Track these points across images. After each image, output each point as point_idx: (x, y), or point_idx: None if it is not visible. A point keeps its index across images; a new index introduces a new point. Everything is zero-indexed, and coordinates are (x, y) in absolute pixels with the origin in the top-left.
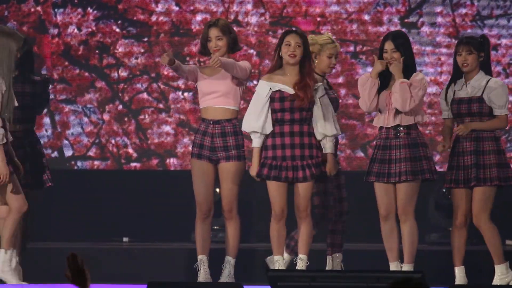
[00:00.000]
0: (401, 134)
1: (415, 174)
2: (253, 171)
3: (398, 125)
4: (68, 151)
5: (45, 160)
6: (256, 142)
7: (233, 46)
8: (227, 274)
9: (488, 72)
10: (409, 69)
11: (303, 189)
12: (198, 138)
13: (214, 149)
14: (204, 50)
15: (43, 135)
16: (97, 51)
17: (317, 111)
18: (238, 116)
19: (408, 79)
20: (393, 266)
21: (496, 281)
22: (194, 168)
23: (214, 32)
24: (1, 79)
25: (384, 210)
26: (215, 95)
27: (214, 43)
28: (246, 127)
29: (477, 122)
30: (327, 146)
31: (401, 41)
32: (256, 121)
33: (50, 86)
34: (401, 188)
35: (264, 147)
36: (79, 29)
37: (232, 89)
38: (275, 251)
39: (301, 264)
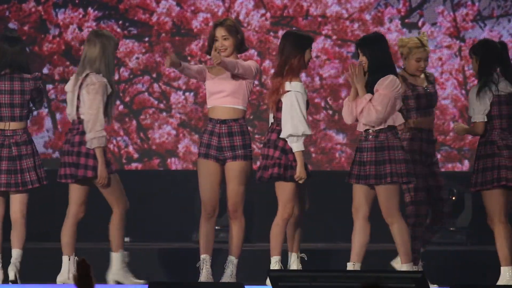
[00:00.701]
0: (370, 137)
1: (377, 178)
2: (304, 172)
3: (368, 129)
4: None
5: (32, 161)
6: (302, 145)
7: (240, 47)
8: (229, 274)
9: (484, 73)
10: (377, 72)
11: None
12: (205, 138)
13: (221, 148)
14: (210, 50)
15: (44, 135)
16: None
17: None
18: (245, 116)
19: (376, 82)
20: (349, 265)
21: (502, 282)
22: (200, 168)
23: (220, 32)
24: (107, 82)
25: (353, 207)
26: (222, 94)
27: (220, 42)
28: (301, 130)
29: (468, 127)
30: None
31: (364, 45)
32: (307, 124)
33: (40, 84)
34: (380, 192)
35: (284, 150)
36: (80, 29)
37: (239, 88)
38: (278, 251)
39: (300, 262)
